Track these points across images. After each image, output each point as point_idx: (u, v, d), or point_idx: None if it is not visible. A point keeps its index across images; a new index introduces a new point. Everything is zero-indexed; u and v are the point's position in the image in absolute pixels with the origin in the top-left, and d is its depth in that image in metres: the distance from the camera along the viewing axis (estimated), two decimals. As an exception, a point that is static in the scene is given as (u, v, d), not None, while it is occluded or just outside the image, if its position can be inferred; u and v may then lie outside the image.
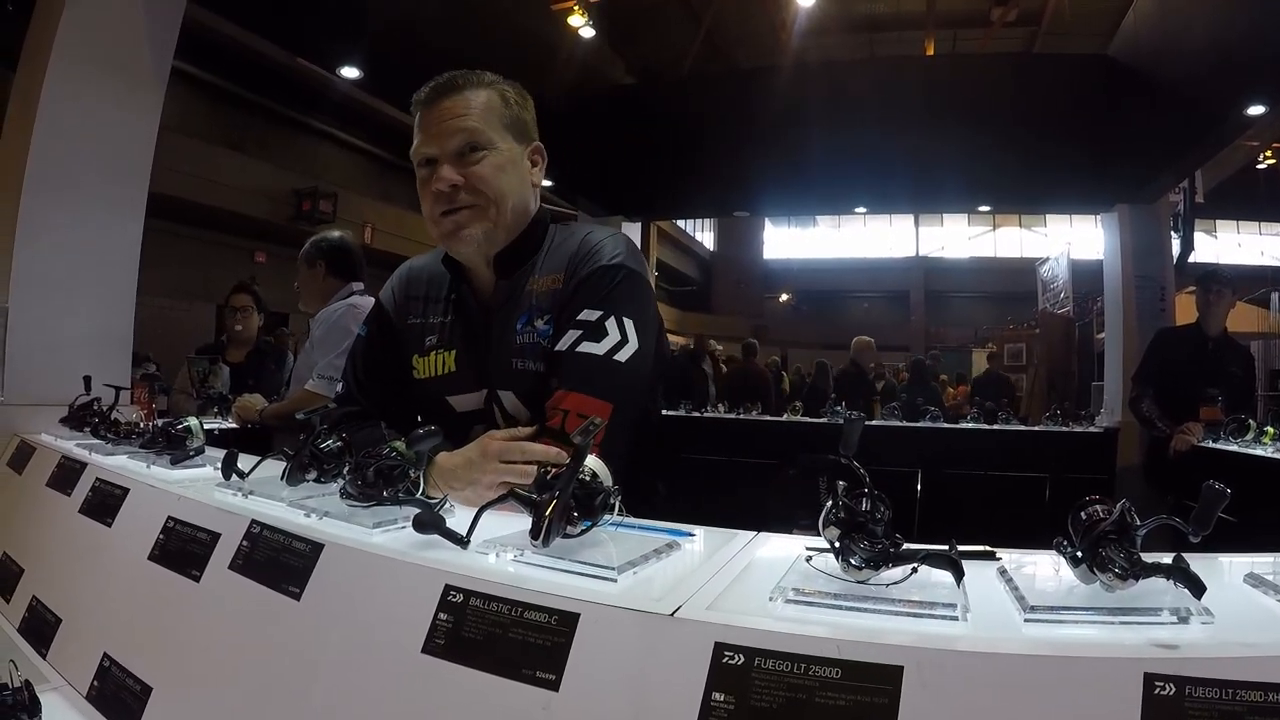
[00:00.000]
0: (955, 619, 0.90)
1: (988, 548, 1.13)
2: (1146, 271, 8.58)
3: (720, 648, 0.88)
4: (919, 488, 7.05)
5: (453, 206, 1.88)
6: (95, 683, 1.50)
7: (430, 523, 1.20)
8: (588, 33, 9.14)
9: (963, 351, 22.22)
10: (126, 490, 1.83)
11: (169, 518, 1.58)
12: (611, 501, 1.25)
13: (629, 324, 1.81)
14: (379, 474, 1.39)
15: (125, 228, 3.37)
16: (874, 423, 7.86)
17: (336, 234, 4.08)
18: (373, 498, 1.38)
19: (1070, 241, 19.14)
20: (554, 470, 1.23)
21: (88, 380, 2.73)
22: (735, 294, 32.10)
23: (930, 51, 15.74)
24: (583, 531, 1.19)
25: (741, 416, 8.73)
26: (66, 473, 2.16)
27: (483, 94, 1.91)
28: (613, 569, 1.07)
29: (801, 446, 7.27)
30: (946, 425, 8.09)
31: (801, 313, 32.28)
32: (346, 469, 1.52)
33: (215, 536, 1.45)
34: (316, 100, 16.56)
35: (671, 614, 0.94)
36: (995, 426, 7.96)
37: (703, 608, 0.96)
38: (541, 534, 1.10)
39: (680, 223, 28.11)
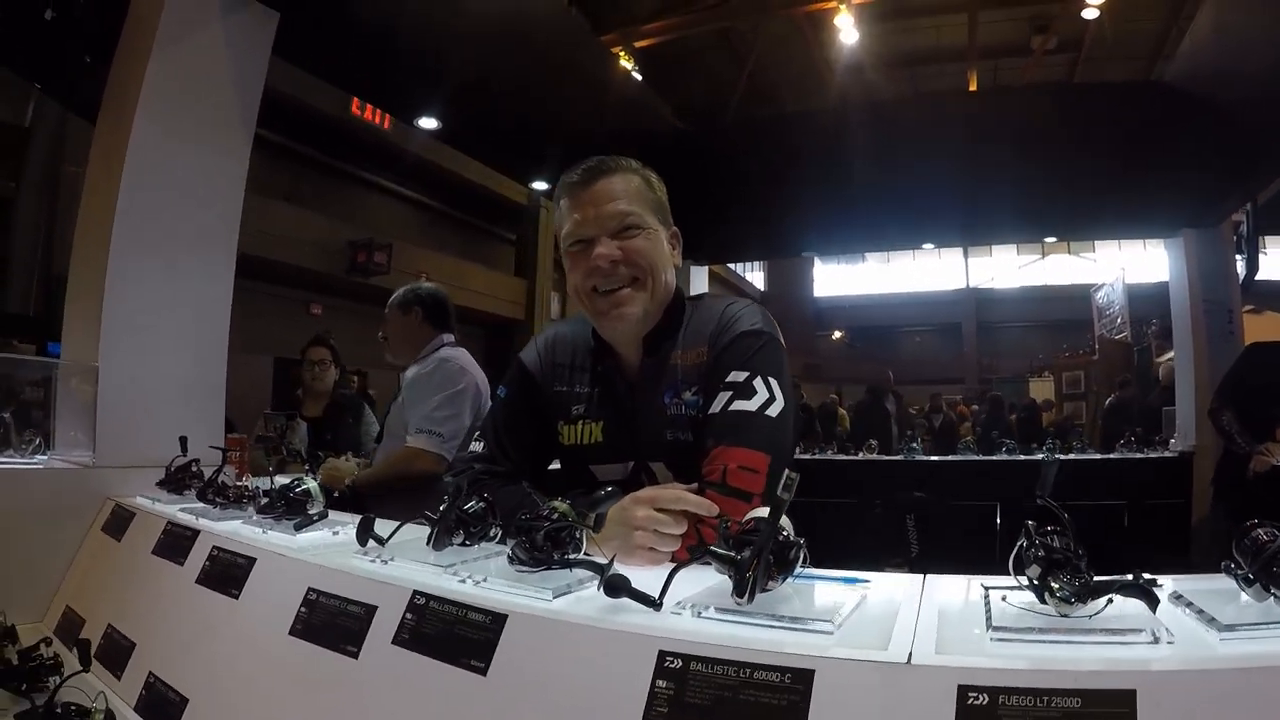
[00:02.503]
0: (1159, 641, 0.93)
1: (1150, 576, 1.09)
2: (1213, 295, 8.45)
3: (964, 690, 0.88)
4: (998, 520, 6.90)
5: (612, 286, 1.93)
6: (240, 767, 1.42)
7: (621, 586, 1.15)
8: (634, 78, 9.16)
9: (1019, 381, 21.92)
10: (253, 560, 1.75)
11: (310, 589, 1.51)
12: (803, 554, 1.22)
13: (774, 383, 1.85)
14: (548, 537, 1.32)
15: (216, 282, 3.29)
16: (950, 458, 7.80)
17: (429, 285, 4.02)
18: (543, 561, 1.31)
19: (1124, 266, 18.90)
20: (733, 525, 1.23)
21: (184, 440, 2.63)
22: (787, 333, 31.23)
23: (974, 84, 15.74)
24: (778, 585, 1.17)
25: (816, 456, 8.61)
26: (176, 540, 2.08)
27: (632, 178, 1.98)
28: (829, 622, 1.05)
29: (879, 485, 7.22)
30: (1022, 457, 7.98)
31: (855, 349, 32.03)
32: (493, 531, 1.51)
33: (371, 609, 1.38)
34: (369, 153, 16.77)
35: (907, 661, 0.94)
36: (1070, 456, 7.86)
37: (931, 653, 0.96)
38: (746, 591, 1.08)
39: (731, 265, 28.16)
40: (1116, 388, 12.08)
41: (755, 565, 1.09)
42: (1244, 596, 1.05)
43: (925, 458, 8.10)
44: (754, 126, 10.21)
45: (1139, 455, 8.00)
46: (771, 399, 1.82)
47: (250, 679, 1.56)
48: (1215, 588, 1.12)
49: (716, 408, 1.84)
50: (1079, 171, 7.79)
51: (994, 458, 7.96)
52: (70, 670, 1.70)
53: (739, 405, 1.81)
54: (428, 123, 6.88)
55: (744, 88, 15.91)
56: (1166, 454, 8.04)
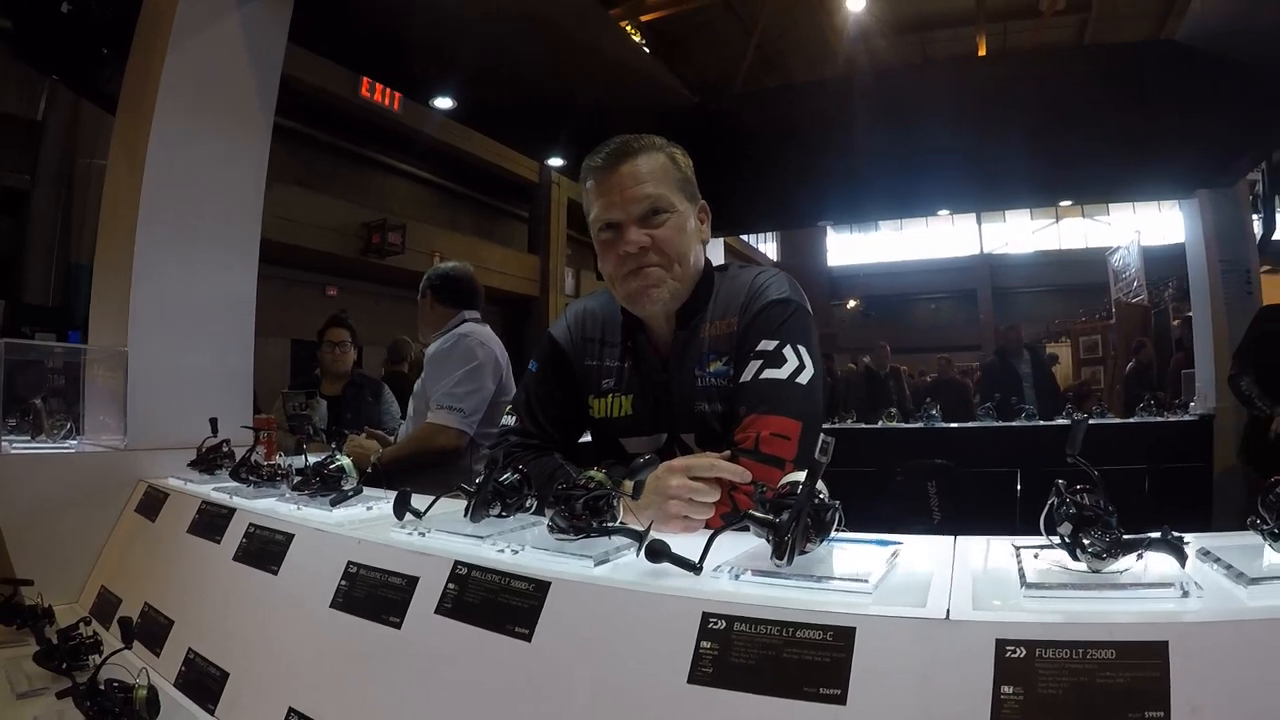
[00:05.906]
0: (1188, 595, 0.95)
1: (1177, 533, 1.12)
2: (1230, 256, 8.39)
3: (1002, 644, 0.91)
4: (1019, 486, 6.89)
5: (640, 267, 1.97)
6: (282, 738, 1.44)
7: (662, 551, 1.18)
8: (643, 51, 9.10)
9: (1036, 347, 21.64)
10: (290, 535, 1.77)
11: (349, 562, 1.53)
12: (838, 516, 1.25)
13: (803, 350, 1.90)
14: (586, 506, 1.34)
15: (241, 267, 3.29)
16: (969, 425, 7.79)
17: (449, 264, 4.05)
18: (582, 530, 1.33)
19: (1139, 229, 18.77)
20: (769, 490, 1.25)
21: (214, 422, 2.66)
22: (801, 304, 31.52)
23: (982, 48, 15.64)
24: (815, 547, 1.20)
25: (837, 425, 8.50)
26: (211, 519, 2.10)
27: (656, 158, 2.01)
28: (866, 581, 1.09)
29: (898, 452, 7.22)
30: (1042, 423, 7.94)
31: (870, 319, 31.81)
32: (529, 502, 1.54)
33: (413, 580, 1.40)
34: (380, 136, 16.85)
35: (945, 617, 0.97)
36: (1093, 421, 7.67)
37: (969, 609, 0.99)
38: (785, 553, 1.11)
39: (744, 236, 28.04)
40: (1133, 351, 12.03)
41: (794, 528, 1.11)
42: (1269, 551, 1.08)
43: (944, 424, 8.05)
44: (764, 97, 10.13)
45: (1158, 419, 7.95)
46: (801, 366, 1.86)
47: (292, 652, 1.58)
48: (1240, 544, 1.15)
49: (748, 376, 1.88)
50: (1091, 134, 7.68)
51: (1013, 424, 7.91)
52: (110, 649, 1.70)
53: (770, 373, 1.85)
54: (442, 102, 6.96)
55: (752, 58, 15.83)
56: (1186, 417, 8.00)
